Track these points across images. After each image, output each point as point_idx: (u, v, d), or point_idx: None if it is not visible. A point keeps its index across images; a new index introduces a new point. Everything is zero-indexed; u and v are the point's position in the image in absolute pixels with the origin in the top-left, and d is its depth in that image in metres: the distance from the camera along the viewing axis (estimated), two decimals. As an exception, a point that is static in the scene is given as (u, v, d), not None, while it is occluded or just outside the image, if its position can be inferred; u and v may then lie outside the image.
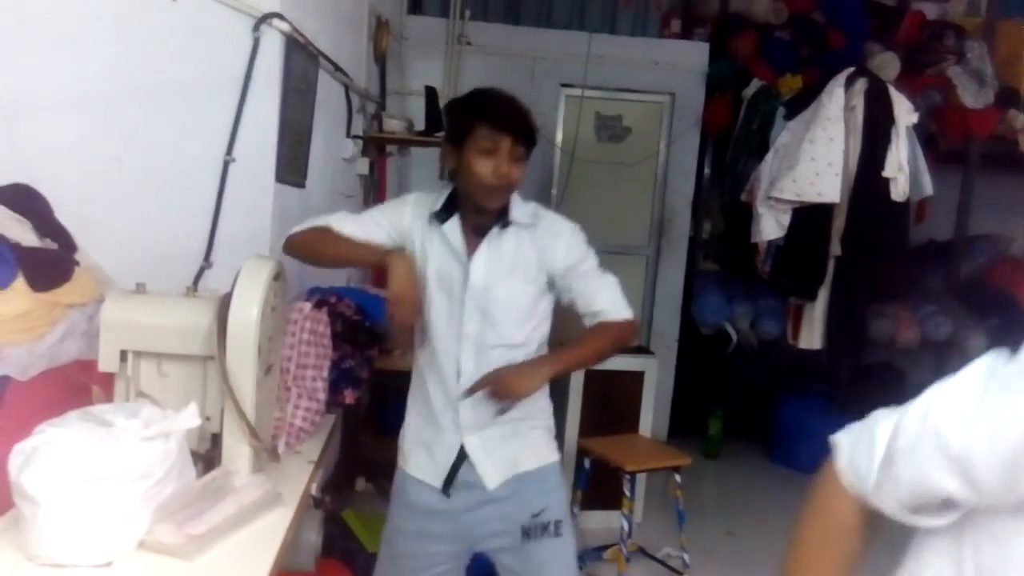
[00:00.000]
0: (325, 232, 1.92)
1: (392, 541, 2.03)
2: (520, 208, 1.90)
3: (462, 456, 1.91)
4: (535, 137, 1.85)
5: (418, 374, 1.99)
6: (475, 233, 1.88)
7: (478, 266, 1.86)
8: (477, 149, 1.78)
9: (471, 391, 1.82)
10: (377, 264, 1.86)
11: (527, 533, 1.91)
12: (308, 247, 1.95)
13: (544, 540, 1.92)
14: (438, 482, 1.93)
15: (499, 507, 1.92)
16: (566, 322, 2.02)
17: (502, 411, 1.81)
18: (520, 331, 1.89)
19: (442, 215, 1.89)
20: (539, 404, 1.98)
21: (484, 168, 1.78)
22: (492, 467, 1.91)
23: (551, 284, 1.91)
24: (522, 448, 1.95)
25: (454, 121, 1.86)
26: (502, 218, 1.87)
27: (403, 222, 1.93)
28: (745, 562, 3.78)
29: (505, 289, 1.86)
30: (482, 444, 1.91)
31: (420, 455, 1.97)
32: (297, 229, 1.97)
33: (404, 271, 1.78)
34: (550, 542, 1.92)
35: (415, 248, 1.91)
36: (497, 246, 1.87)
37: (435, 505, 1.94)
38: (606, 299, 1.89)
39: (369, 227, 1.93)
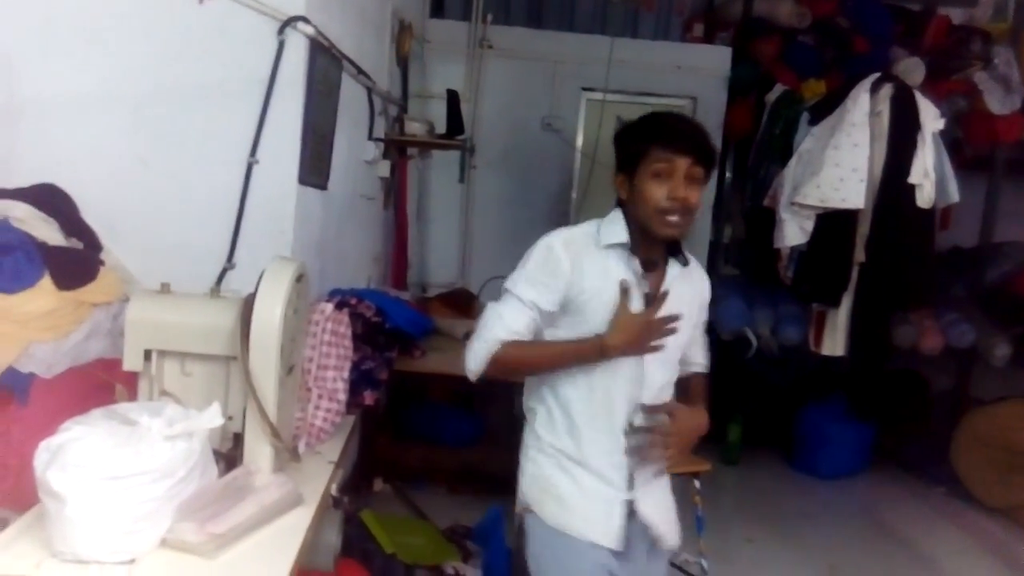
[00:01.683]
0: (515, 346, 1.70)
1: None
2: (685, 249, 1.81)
3: (631, 514, 1.77)
4: (715, 158, 1.72)
5: (570, 425, 1.76)
6: (646, 267, 1.74)
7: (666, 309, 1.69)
8: (651, 173, 1.66)
9: (641, 454, 1.71)
10: (597, 359, 1.69)
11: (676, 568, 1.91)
12: (507, 371, 1.75)
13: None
14: (615, 543, 1.74)
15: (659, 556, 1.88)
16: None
17: (659, 472, 1.80)
18: (676, 375, 1.85)
19: (632, 248, 1.72)
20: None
21: (658, 192, 1.65)
22: (668, 527, 1.85)
23: None
24: (672, 504, 1.92)
25: (626, 147, 1.73)
26: (673, 254, 1.77)
27: (563, 269, 1.70)
28: (764, 569, 3.75)
29: (685, 331, 1.76)
30: (651, 502, 1.81)
31: (586, 514, 1.75)
32: (479, 359, 1.71)
33: (623, 337, 1.64)
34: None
35: (583, 295, 1.70)
36: (678, 286, 1.75)
37: (607, 565, 1.75)
38: (703, 354, 1.98)
39: (534, 310, 1.71)
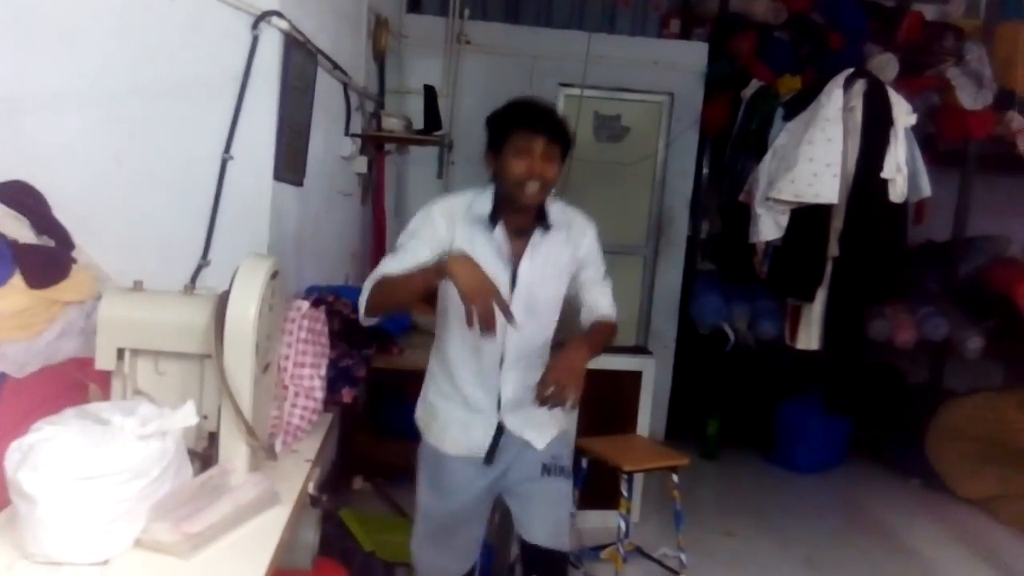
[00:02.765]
0: (380, 283, 1.95)
1: (435, 515, 2.22)
2: (554, 210, 2.08)
3: (500, 431, 2.11)
4: (568, 138, 1.99)
5: (444, 359, 2.14)
6: (515, 235, 2.03)
7: (525, 269, 2.03)
8: (513, 150, 1.94)
9: (543, 402, 1.88)
10: (435, 277, 1.86)
11: (547, 469, 2.16)
12: (377, 304, 1.97)
13: (556, 478, 2.17)
14: (480, 455, 2.11)
15: (531, 454, 2.14)
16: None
17: (553, 406, 1.92)
18: (555, 319, 2.15)
19: (492, 221, 2.01)
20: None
21: (519, 167, 1.93)
22: (536, 434, 2.13)
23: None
24: (551, 417, 2.15)
25: (493, 129, 2.01)
26: (541, 221, 2.04)
27: (439, 233, 2.01)
28: (743, 562, 3.78)
29: (550, 287, 2.09)
30: (521, 418, 2.11)
31: (456, 434, 2.14)
32: (361, 301, 2.00)
33: (465, 266, 1.79)
34: (559, 480, 2.19)
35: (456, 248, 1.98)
36: (540, 249, 2.05)
37: (476, 474, 2.14)
38: (608, 303, 2.16)
39: (410, 257, 1.97)
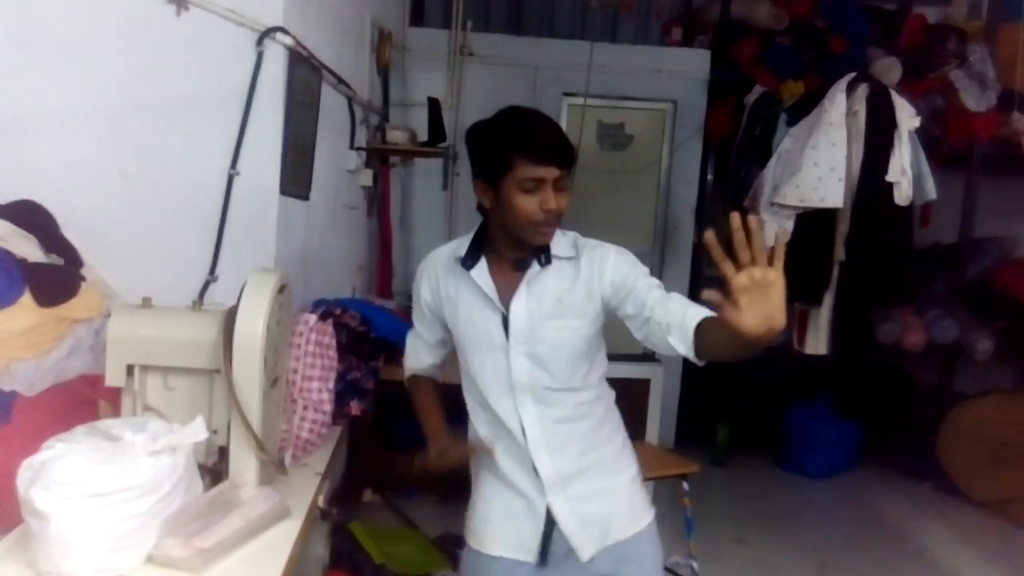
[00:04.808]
0: (411, 388, 1.96)
1: None
2: (559, 241, 1.71)
3: (551, 522, 1.72)
4: (575, 158, 1.67)
5: (475, 435, 1.82)
6: (513, 269, 1.70)
7: (518, 309, 1.68)
8: (519, 187, 1.60)
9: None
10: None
11: None
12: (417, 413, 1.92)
13: None
14: (531, 555, 1.73)
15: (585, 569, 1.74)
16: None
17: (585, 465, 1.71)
18: (576, 372, 1.71)
19: (467, 261, 1.72)
20: (616, 442, 1.82)
21: (530, 206, 1.60)
22: (585, 537, 1.72)
23: (605, 311, 1.72)
24: (616, 507, 1.77)
25: (486, 154, 1.66)
26: (540, 252, 1.69)
27: (428, 301, 1.82)
28: (754, 569, 3.76)
29: (554, 327, 1.68)
30: (570, 506, 1.72)
31: (504, 529, 1.76)
32: (405, 360, 1.99)
33: (436, 461, 1.74)
34: None
35: (446, 312, 1.78)
36: (538, 284, 1.69)
37: None
38: (685, 304, 1.64)
39: (427, 338, 1.90)
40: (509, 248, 1.70)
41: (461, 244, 1.77)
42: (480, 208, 1.74)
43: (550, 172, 1.59)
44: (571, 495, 1.72)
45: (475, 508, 1.84)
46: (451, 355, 1.91)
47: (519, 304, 1.68)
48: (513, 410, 1.70)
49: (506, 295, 1.69)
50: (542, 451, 1.70)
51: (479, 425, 1.80)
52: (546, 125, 1.64)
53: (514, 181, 1.60)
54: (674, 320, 1.59)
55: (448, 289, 1.77)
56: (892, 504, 4.71)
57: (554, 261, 1.70)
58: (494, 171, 1.63)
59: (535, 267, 1.69)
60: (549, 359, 1.68)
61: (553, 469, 1.71)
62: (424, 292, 1.82)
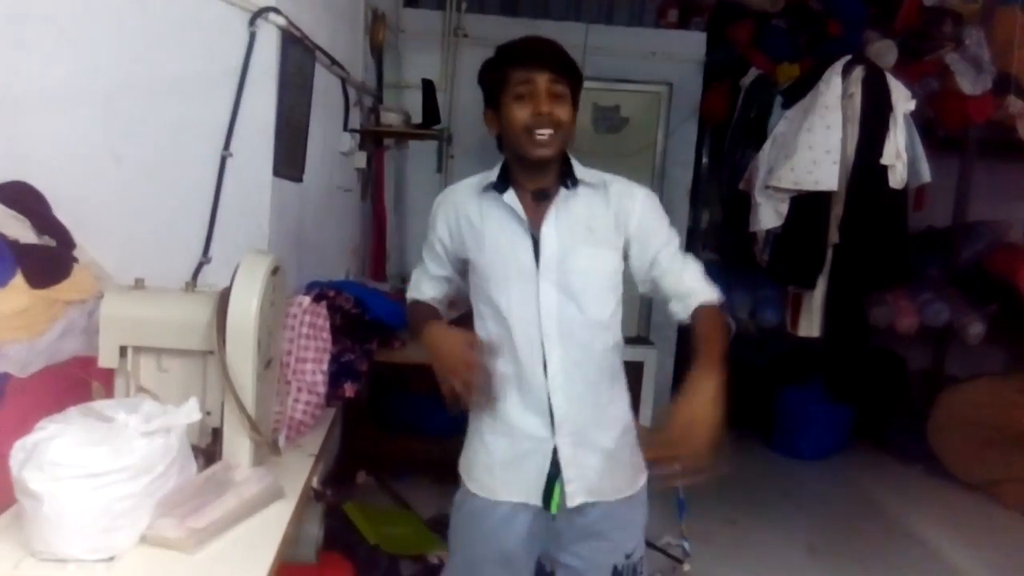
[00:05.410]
0: (413, 311, 1.92)
1: (473, 572, 1.83)
2: (584, 169, 1.74)
3: (555, 464, 1.71)
4: (578, 72, 1.68)
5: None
6: (535, 200, 1.70)
7: (549, 233, 1.68)
8: (513, 96, 1.63)
9: (650, 458, 1.66)
10: (423, 338, 1.76)
11: (618, 573, 1.78)
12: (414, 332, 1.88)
13: None
14: (535, 499, 1.73)
15: (595, 539, 1.76)
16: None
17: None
18: (606, 306, 1.72)
19: (500, 185, 1.71)
20: (624, 403, 1.85)
21: (522, 112, 1.62)
22: (578, 483, 1.72)
23: (626, 253, 1.74)
24: (617, 466, 1.78)
25: (487, 80, 1.71)
26: (566, 178, 1.70)
27: (443, 231, 1.81)
28: (746, 550, 3.79)
29: (585, 255, 1.68)
30: (575, 452, 1.71)
31: (509, 475, 1.75)
32: (407, 303, 1.98)
33: (436, 341, 1.69)
34: None
35: (469, 243, 1.76)
36: (567, 209, 1.69)
37: (526, 523, 1.75)
38: (700, 282, 1.74)
39: (433, 271, 1.90)
40: (527, 177, 1.70)
41: (485, 176, 1.77)
42: (498, 143, 1.75)
43: (539, 75, 1.61)
44: (579, 441, 1.72)
45: (476, 454, 1.81)
46: (452, 296, 1.94)
47: (549, 227, 1.68)
48: (538, 345, 1.68)
49: (533, 223, 1.69)
50: (560, 392, 1.69)
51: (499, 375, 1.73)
52: (537, 39, 1.68)
53: (509, 93, 1.64)
54: (681, 294, 1.73)
55: (471, 219, 1.75)
56: (883, 486, 4.75)
57: (581, 187, 1.71)
58: (494, 92, 1.68)
59: (563, 191, 1.69)
60: (579, 290, 1.67)
61: (568, 411, 1.70)
62: (440, 226, 1.81)
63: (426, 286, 1.93)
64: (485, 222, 1.73)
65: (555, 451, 1.71)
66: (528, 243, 1.69)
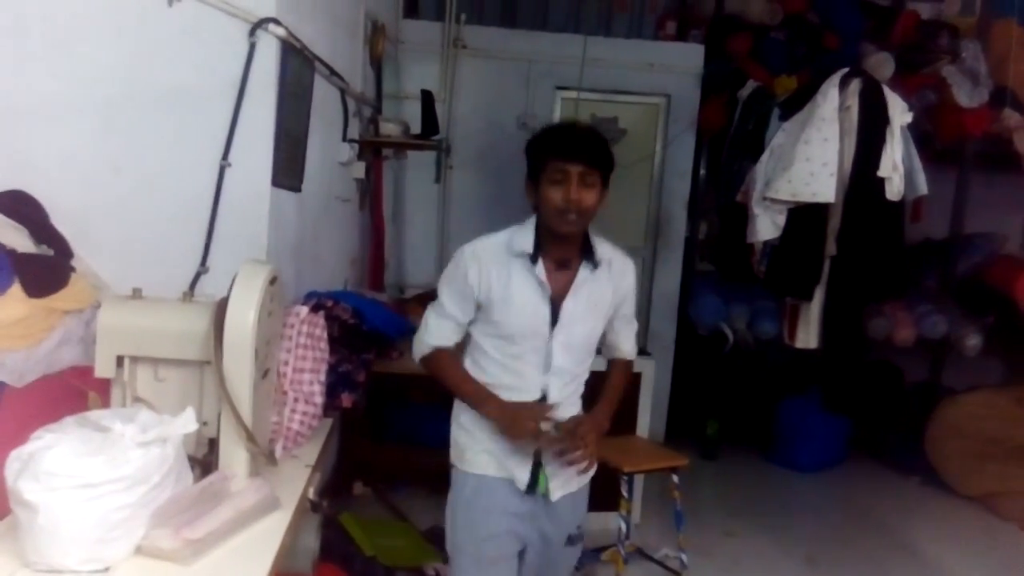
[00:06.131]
0: (438, 359, 2.10)
1: (478, 550, 2.05)
2: (599, 245, 2.03)
3: (538, 463, 2.03)
4: (610, 163, 1.94)
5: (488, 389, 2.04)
6: (555, 267, 1.97)
7: (568, 308, 1.97)
8: (549, 180, 1.89)
9: (561, 455, 1.98)
10: (478, 410, 2.04)
11: (571, 540, 2.13)
12: (434, 376, 2.12)
13: (576, 546, 2.18)
14: (522, 484, 2.02)
15: (560, 516, 2.09)
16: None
17: (572, 463, 1.98)
18: (590, 355, 2.10)
19: (535, 257, 1.96)
20: (580, 409, 2.15)
21: (556, 196, 1.88)
22: (559, 482, 2.05)
23: None
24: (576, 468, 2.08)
25: (531, 158, 1.96)
26: (587, 256, 1.99)
27: (469, 285, 1.98)
28: (744, 562, 3.78)
29: (589, 327, 2.04)
30: (554, 462, 2.02)
31: (506, 458, 2.03)
32: (416, 356, 2.15)
33: (500, 415, 1.97)
34: (577, 548, 2.19)
35: (493, 296, 1.97)
36: (586, 289, 1.99)
37: (517, 505, 2.04)
38: (630, 345, 2.21)
39: (459, 319, 2.05)
40: (554, 245, 1.96)
41: (514, 238, 1.99)
42: (534, 210, 1.99)
43: (574, 167, 1.87)
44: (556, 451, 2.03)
45: (471, 436, 2.06)
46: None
47: (570, 303, 1.97)
48: (540, 384, 2.00)
49: (554, 290, 1.96)
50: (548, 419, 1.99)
51: (498, 392, 2.01)
52: (579, 128, 1.99)
53: (546, 176, 1.90)
54: (612, 345, 2.21)
55: (499, 278, 1.97)
56: (881, 498, 4.74)
57: (601, 267, 2.01)
58: (535, 170, 1.94)
59: (584, 271, 1.99)
60: (577, 348, 2.02)
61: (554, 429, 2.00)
62: (471, 276, 1.98)
63: (451, 333, 2.08)
64: (513, 285, 1.96)
65: (538, 453, 2.02)
66: (547, 309, 1.96)
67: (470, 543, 2.05)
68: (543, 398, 2.01)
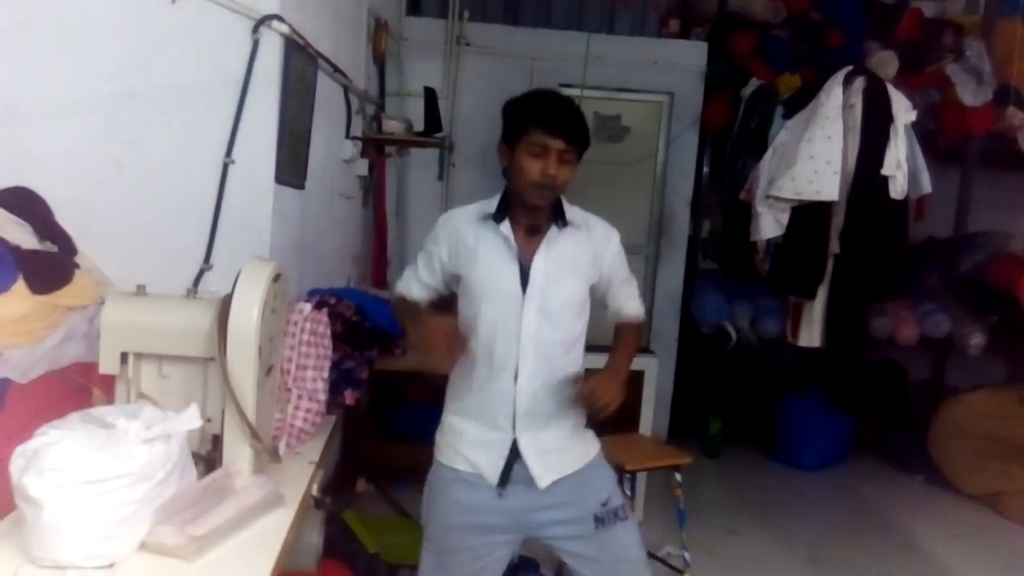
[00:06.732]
0: (401, 304, 2.11)
1: (443, 538, 2.02)
2: (571, 210, 1.99)
3: (515, 453, 1.94)
4: (588, 140, 1.91)
5: (463, 372, 1.98)
6: (527, 233, 1.94)
7: (538, 266, 1.92)
8: (528, 150, 1.85)
9: (576, 403, 1.94)
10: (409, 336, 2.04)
11: (600, 520, 1.98)
12: (397, 320, 2.15)
13: (617, 524, 2.00)
14: (493, 479, 1.94)
15: (563, 502, 1.97)
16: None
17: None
18: (575, 327, 2.00)
19: (498, 216, 1.94)
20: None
21: (533, 168, 1.85)
22: (543, 467, 1.95)
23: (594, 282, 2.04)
24: (575, 447, 2.03)
25: (509, 121, 1.92)
26: (557, 219, 1.95)
27: (441, 254, 2.00)
28: (746, 560, 3.78)
29: (565, 288, 1.95)
30: (534, 444, 1.95)
31: (470, 452, 1.97)
32: (391, 300, 2.17)
33: (419, 339, 1.89)
34: (621, 526, 2.01)
35: (463, 261, 1.96)
36: (556, 246, 1.94)
37: (490, 501, 1.96)
38: (634, 304, 2.15)
39: (424, 279, 2.06)
40: (524, 214, 1.93)
41: (486, 204, 1.98)
42: (503, 173, 1.96)
43: (556, 143, 1.84)
44: (536, 434, 1.96)
45: (451, 431, 2.02)
46: (436, 302, 2.11)
47: (539, 261, 1.92)
48: (513, 357, 1.92)
49: (523, 253, 1.93)
50: (525, 397, 1.93)
51: (469, 369, 1.96)
52: (562, 102, 1.91)
53: (526, 145, 1.85)
54: (616, 309, 2.14)
55: (468, 242, 1.96)
56: (883, 497, 4.74)
57: (569, 227, 1.96)
58: (513, 134, 1.89)
59: (553, 229, 1.94)
60: (556, 314, 1.93)
61: (529, 411, 1.94)
62: (441, 243, 2.00)
63: (415, 288, 2.08)
64: (480, 245, 1.94)
65: (515, 443, 1.94)
66: (516, 270, 1.92)
67: (436, 529, 2.03)
68: (516, 371, 1.92)
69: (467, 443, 1.98)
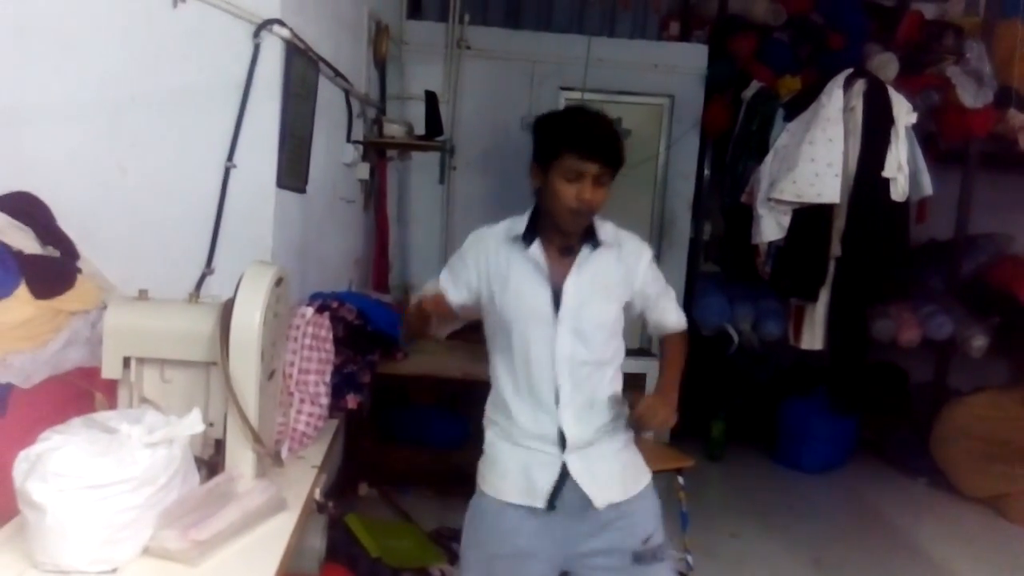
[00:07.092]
0: (416, 309, 2.02)
1: (488, 568, 1.92)
2: (603, 228, 1.94)
3: (564, 475, 1.88)
4: (622, 158, 1.85)
5: (500, 400, 1.95)
6: (559, 253, 1.90)
7: (570, 289, 1.87)
8: (562, 175, 1.80)
9: (628, 424, 1.94)
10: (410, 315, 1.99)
11: (638, 558, 1.91)
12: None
13: (654, 565, 1.93)
14: (541, 502, 1.87)
15: (608, 530, 1.91)
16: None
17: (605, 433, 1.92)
18: (609, 347, 1.94)
19: (527, 236, 1.89)
20: (623, 421, 2.00)
21: (568, 193, 1.80)
22: (597, 488, 1.89)
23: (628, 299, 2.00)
24: (625, 468, 1.98)
25: (540, 142, 1.86)
26: (589, 239, 1.90)
27: (469, 276, 1.95)
28: (749, 564, 3.77)
29: (597, 309, 1.90)
30: (585, 465, 1.89)
31: (517, 479, 1.90)
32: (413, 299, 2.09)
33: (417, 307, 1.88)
34: (658, 567, 1.94)
35: (494, 285, 1.91)
36: (588, 267, 1.90)
37: (537, 526, 1.89)
38: (674, 316, 2.11)
39: (452, 298, 1.96)
40: (556, 234, 1.88)
41: (515, 224, 1.93)
42: (535, 193, 1.90)
43: (591, 168, 1.78)
44: (586, 455, 1.89)
45: (494, 461, 1.95)
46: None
47: (571, 282, 1.87)
48: (551, 380, 1.87)
49: (555, 274, 1.88)
50: (569, 418, 1.88)
51: (505, 390, 1.93)
52: (598, 123, 1.83)
53: (560, 169, 1.80)
54: (658, 323, 2.12)
55: (499, 264, 1.91)
56: (886, 499, 4.73)
57: (601, 247, 1.91)
58: (546, 157, 1.82)
59: (585, 251, 1.89)
60: (589, 335, 1.88)
61: (577, 433, 1.88)
62: (469, 263, 1.95)
63: (452, 292, 2.00)
64: (511, 269, 1.90)
65: (564, 465, 1.88)
66: (548, 293, 1.87)
67: (476, 561, 1.94)
68: (556, 395, 1.87)
69: (513, 469, 1.91)
